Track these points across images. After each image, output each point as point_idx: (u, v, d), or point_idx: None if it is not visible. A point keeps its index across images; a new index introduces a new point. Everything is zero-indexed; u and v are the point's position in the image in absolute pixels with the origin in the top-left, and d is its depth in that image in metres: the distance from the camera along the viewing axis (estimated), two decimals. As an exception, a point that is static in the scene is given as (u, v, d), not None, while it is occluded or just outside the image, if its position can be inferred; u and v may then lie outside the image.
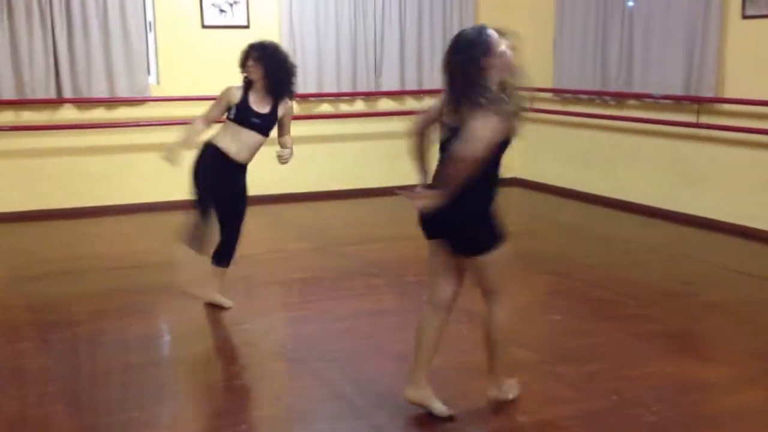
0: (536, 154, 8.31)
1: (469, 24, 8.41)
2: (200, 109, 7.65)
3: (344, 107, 8.29)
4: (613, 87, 7.55)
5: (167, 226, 7.02)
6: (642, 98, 7.30)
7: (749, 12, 6.34)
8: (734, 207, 6.59)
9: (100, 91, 7.26)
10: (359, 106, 8.33)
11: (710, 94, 6.64)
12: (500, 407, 3.47)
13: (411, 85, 8.35)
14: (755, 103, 6.31)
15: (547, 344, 4.21)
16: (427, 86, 8.37)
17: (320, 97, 8.08)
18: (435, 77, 8.39)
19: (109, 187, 7.45)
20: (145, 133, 7.52)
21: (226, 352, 4.21)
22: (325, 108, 8.21)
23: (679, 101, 6.93)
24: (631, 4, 7.34)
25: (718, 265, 5.80)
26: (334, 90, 8.10)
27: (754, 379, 3.79)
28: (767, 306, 4.90)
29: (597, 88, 7.71)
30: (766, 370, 3.90)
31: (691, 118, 6.83)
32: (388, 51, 8.20)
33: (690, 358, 4.11)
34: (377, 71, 8.24)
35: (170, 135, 7.68)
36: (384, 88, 8.28)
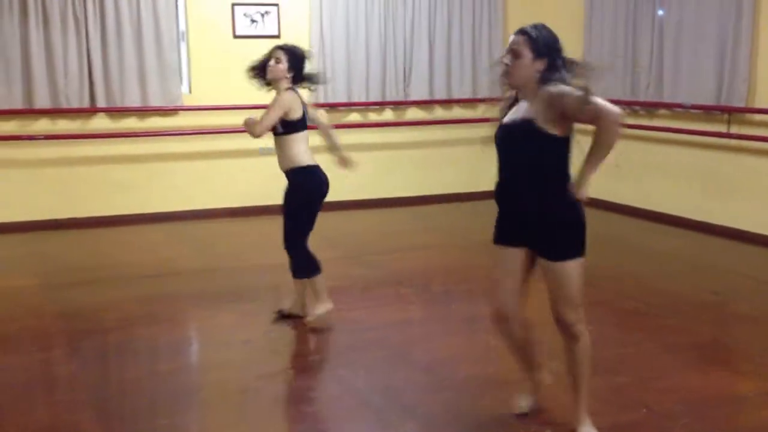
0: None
1: (497, 36, 8.45)
2: (232, 118, 7.81)
3: (373, 116, 8.32)
4: (643, 96, 7.50)
5: (199, 235, 7.13)
6: (672, 108, 7.24)
7: (782, 21, 6.27)
8: (765, 217, 6.50)
9: (133, 100, 7.36)
10: (388, 115, 8.36)
11: (741, 104, 6.57)
12: (527, 418, 3.46)
13: (440, 95, 8.36)
14: (788, 113, 6.24)
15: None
16: (456, 96, 8.38)
17: (349, 106, 8.13)
18: (464, 87, 8.40)
19: (141, 196, 7.54)
20: (177, 142, 7.62)
21: (253, 360, 4.23)
22: (354, 117, 8.25)
23: (709, 111, 6.86)
24: (661, 12, 7.30)
25: (748, 276, 5.73)
26: (363, 99, 8.14)
27: (787, 392, 3.75)
28: (800, 319, 4.83)
29: (627, 97, 7.66)
30: (798, 384, 3.85)
31: (721, 128, 6.76)
32: (417, 60, 8.23)
33: (720, 371, 4.06)
34: (406, 80, 8.27)
35: (202, 144, 7.84)
36: (412, 98, 8.30)
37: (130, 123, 7.47)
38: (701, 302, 5.15)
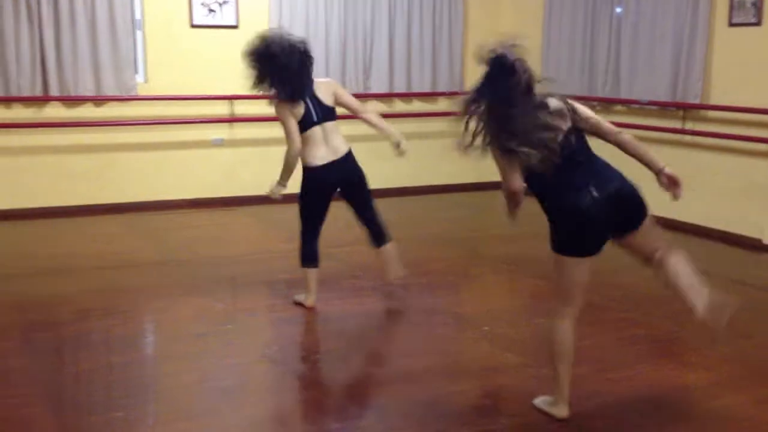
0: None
1: (457, 30, 8.48)
2: (188, 108, 7.73)
3: (332, 109, 8.28)
4: (600, 93, 7.59)
5: (155, 226, 7.04)
6: (628, 104, 7.35)
7: (736, 20, 6.39)
8: (717, 212, 6.64)
9: (87, 89, 7.23)
10: (347, 107, 8.32)
11: (696, 101, 6.69)
12: (484, 410, 3.49)
13: (400, 88, 8.36)
14: (740, 110, 6.37)
15: (532, 347, 4.23)
16: (416, 89, 8.40)
17: (309, 98, 8.07)
18: (424, 80, 8.42)
19: (95, 186, 7.42)
20: (131, 132, 7.51)
21: (209, 352, 4.20)
22: (314, 109, 8.19)
23: (664, 107, 6.98)
24: (619, 10, 7.39)
25: (702, 271, 5.82)
26: (322, 92, 8.09)
27: (733, 383, 3.84)
28: (747, 312, 4.92)
29: (584, 93, 7.75)
30: (745, 375, 3.95)
31: (676, 125, 6.88)
32: (377, 53, 8.21)
33: (672, 362, 4.14)
34: (366, 73, 8.25)
35: (157, 134, 7.73)
36: (373, 90, 8.28)
37: (85, 112, 7.34)
38: (657, 296, 5.22)
